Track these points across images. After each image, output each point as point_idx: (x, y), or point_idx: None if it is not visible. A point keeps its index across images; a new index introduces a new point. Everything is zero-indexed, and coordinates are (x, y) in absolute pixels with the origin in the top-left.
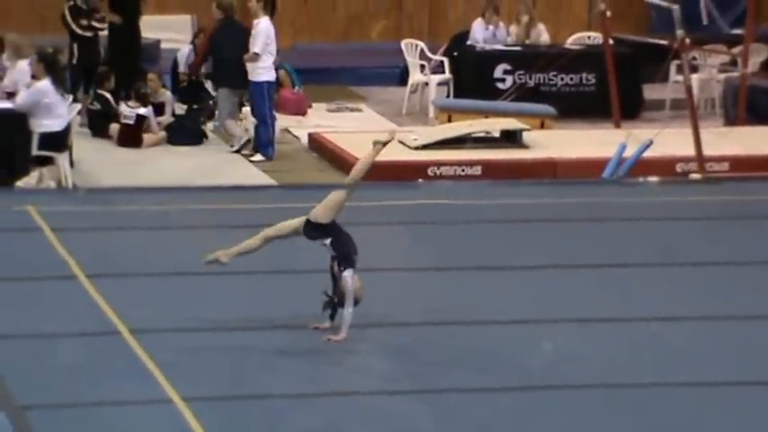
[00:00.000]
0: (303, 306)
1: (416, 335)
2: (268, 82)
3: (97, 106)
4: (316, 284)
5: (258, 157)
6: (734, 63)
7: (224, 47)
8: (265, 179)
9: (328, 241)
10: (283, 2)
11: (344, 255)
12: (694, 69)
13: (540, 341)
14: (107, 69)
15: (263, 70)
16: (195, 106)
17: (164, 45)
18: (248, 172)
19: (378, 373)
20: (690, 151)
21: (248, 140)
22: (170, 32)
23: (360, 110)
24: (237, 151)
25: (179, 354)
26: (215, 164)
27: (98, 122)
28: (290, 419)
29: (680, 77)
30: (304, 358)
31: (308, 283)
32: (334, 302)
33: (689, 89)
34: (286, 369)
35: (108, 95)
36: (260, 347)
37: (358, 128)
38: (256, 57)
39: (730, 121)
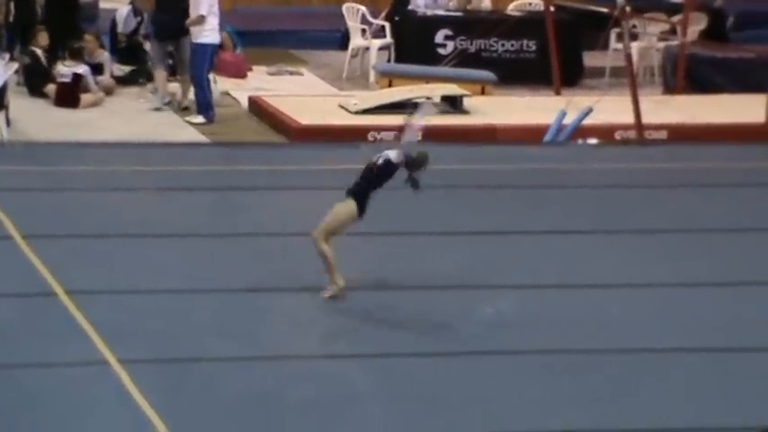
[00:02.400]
0: (242, 269)
1: (357, 299)
2: (212, 44)
3: (27, 61)
4: (255, 249)
5: (199, 119)
6: (673, 31)
7: None
8: (205, 141)
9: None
10: None
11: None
12: (634, 37)
13: (482, 307)
14: (42, 27)
15: (208, 32)
16: (134, 67)
17: (102, 5)
18: (188, 134)
19: (318, 336)
20: (629, 119)
21: (168, 102)
22: None
23: (300, 73)
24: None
25: (116, 316)
26: (154, 125)
27: (34, 81)
28: (229, 382)
29: (620, 45)
30: (243, 321)
31: (247, 246)
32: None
33: (629, 57)
34: (225, 332)
35: (39, 52)
36: (198, 310)
37: (298, 91)
38: (202, 19)
39: (669, 89)
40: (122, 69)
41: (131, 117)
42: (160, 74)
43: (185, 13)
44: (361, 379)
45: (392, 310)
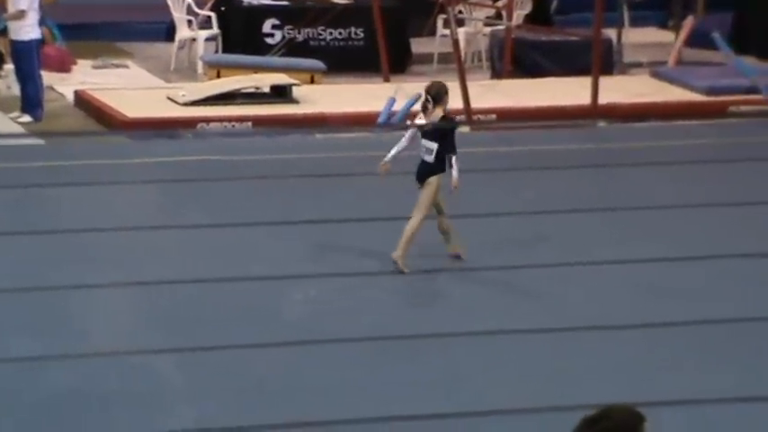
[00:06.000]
0: (59, 266)
1: (185, 293)
2: (35, 39)
3: None
4: (77, 245)
5: (26, 118)
6: (499, 16)
7: None
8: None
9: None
10: None
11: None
12: (461, 23)
13: (310, 295)
14: None
15: (29, 28)
16: None
17: None
18: (14, 131)
19: (139, 333)
20: (458, 104)
21: None
22: None
23: (126, 66)
24: None
25: None
26: None
27: None
28: (43, 379)
29: (447, 31)
30: (61, 319)
31: (69, 243)
32: None
33: (456, 43)
34: (42, 330)
35: None
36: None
37: (125, 84)
38: (22, 14)
39: (496, 73)
40: None
41: None
42: None
43: None
44: (182, 373)
45: (222, 303)
